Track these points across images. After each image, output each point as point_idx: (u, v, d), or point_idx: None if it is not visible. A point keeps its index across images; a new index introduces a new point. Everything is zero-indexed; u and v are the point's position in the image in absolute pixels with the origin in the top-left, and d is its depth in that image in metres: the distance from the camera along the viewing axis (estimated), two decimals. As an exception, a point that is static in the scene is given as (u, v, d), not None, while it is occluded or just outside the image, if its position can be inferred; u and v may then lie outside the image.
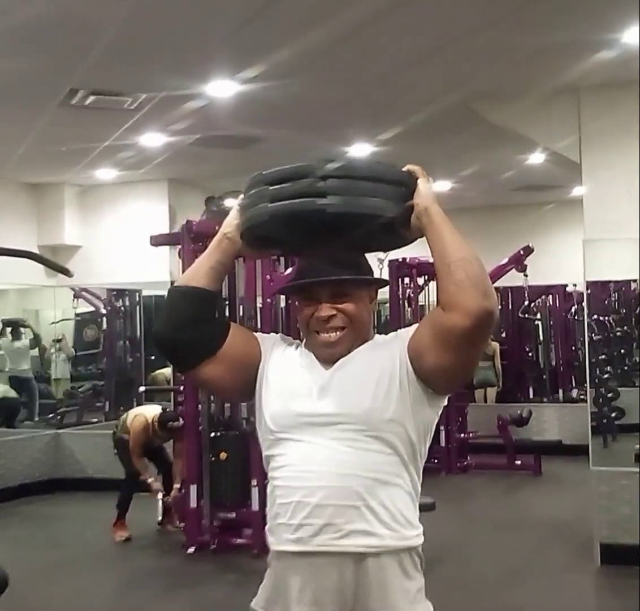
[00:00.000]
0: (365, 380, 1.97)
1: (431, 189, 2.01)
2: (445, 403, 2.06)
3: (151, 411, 7.21)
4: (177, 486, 7.06)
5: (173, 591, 5.87)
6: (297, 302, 2.12)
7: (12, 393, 10.05)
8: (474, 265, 1.91)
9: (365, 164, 2.04)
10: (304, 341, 2.11)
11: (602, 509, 6.03)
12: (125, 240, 10.00)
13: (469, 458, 10.22)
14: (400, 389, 1.96)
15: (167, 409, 7.36)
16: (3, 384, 10.12)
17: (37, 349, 10.64)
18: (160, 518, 6.93)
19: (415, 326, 2.04)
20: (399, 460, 1.96)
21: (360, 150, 8.40)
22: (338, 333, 2.01)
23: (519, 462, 9.95)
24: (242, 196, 2.11)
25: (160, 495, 6.96)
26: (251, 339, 2.15)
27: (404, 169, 2.02)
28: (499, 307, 12.64)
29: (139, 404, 10.00)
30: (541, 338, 12.64)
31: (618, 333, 9.37)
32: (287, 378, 2.04)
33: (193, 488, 6.66)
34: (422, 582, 1.98)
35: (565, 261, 10.52)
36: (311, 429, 1.96)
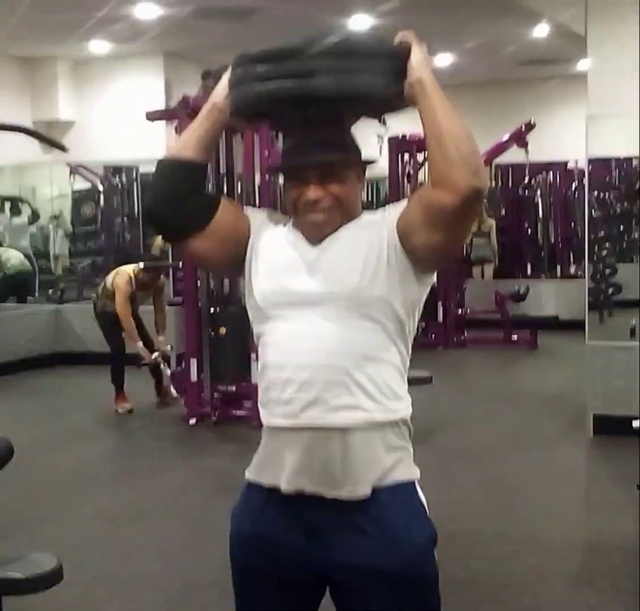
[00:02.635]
0: (353, 258, 1.95)
1: (425, 56, 1.92)
2: (434, 279, 2.05)
3: (130, 267, 7.35)
4: (161, 339, 7.30)
5: (175, 459, 6.01)
6: (284, 184, 2.06)
7: (27, 266, 10.04)
8: (466, 141, 1.85)
9: (355, 40, 1.92)
10: (292, 220, 2.08)
11: (597, 382, 6.13)
12: (120, 115, 9.87)
13: (466, 333, 10.34)
14: (388, 266, 1.94)
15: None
16: (16, 255, 10.02)
17: (35, 225, 10.62)
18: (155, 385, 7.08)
19: (404, 202, 1.99)
20: (386, 336, 1.96)
21: (359, 21, 8.21)
22: (326, 214, 1.98)
23: (515, 337, 10.08)
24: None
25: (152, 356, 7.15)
26: (241, 214, 2.11)
27: (397, 37, 1.95)
28: (500, 183, 12.63)
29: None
30: (541, 214, 12.60)
31: (618, 210, 9.33)
32: (276, 255, 2.02)
33: (193, 362, 6.76)
34: (411, 450, 2.03)
35: (568, 137, 10.41)
36: (299, 307, 1.96)
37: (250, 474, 2.07)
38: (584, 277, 7.03)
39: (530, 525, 4.54)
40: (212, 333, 6.69)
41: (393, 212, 1.99)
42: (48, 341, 9.33)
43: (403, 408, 2.00)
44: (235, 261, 2.08)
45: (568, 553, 4.21)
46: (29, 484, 5.28)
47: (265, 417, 2.03)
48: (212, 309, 6.76)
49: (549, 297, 11.28)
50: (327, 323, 1.94)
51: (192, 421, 6.69)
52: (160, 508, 5.01)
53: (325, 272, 1.96)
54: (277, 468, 1.98)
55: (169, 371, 7.24)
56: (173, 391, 7.18)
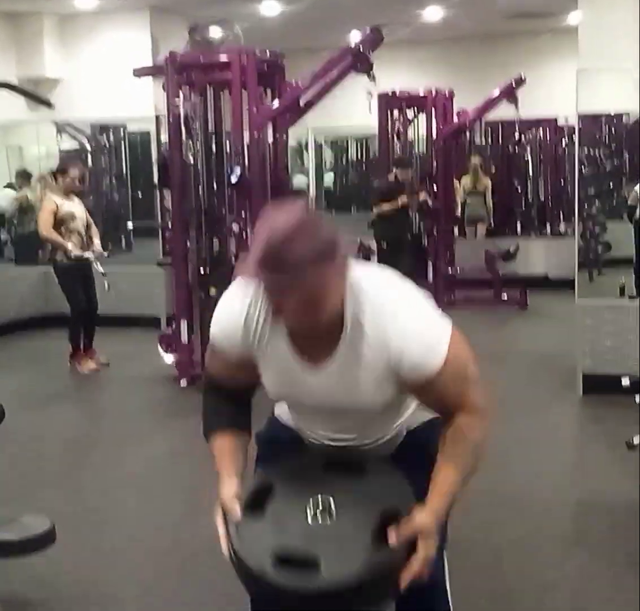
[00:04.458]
0: (353, 383, 1.94)
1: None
2: None
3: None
4: (96, 242, 7.41)
5: (167, 422, 6.02)
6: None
7: None
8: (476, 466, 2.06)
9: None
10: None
11: (586, 341, 6.14)
12: (107, 72, 9.74)
13: (456, 292, 10.33)
14: (387, 381, 1.94)
15: None
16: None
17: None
18: None
19: (401, 345, 1.89)
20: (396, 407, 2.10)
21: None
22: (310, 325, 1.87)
23: (505, 296, 10.08)
24: None
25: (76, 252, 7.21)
26: (238, 351, 2.02)
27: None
28: (489, 142, 12.54)
29: (127, 242, 10.06)
30: (531, 172, 12.54)
31: (608, 168, 9.28)
32: (278, 369, 2.01)
33: (183, 323, 6.74)
34: None
35: (558, 92, 10.33)
36: (310, 408, 2.08)
37: (278, 411, 2.26)
38: (574, 236, 7.00)
39: (521, 487, 4.54)
40: (203, 294, 6.66)
41: (395, 352, 1.90)
42: (37, 302, 9.28)
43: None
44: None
45: (560, 515, 4.23)
46: (19, 450, 5.26)
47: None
48: (202, 269, 6.72)
49: (538, 255, 11.26)
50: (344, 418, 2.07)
51: (183, 383, 6.68)
52: (152, 473, 5.02)
53: (328, 395, 1.98)
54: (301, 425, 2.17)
55: (102, 269, 7.28)
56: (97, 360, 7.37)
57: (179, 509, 4.43)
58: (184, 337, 6.73)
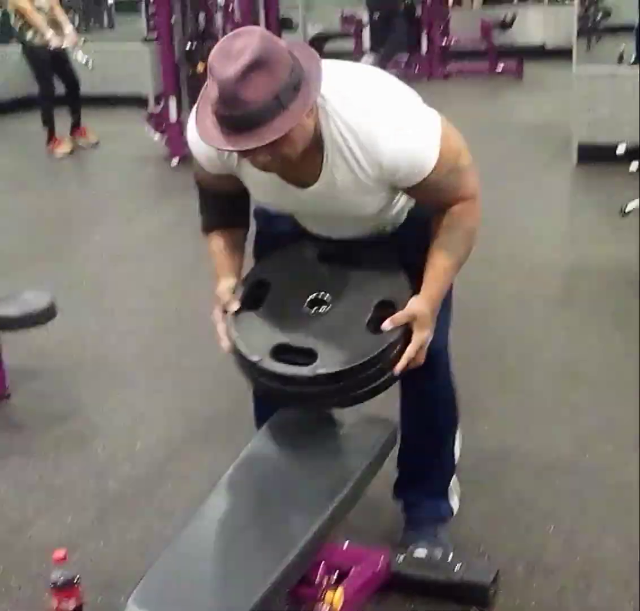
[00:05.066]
0: (343, 196, 1.85)
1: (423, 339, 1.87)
2: None
3: None
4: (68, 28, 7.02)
5: (159, 201, 6.03)
6: None
7: None
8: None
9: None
10: None
11: (583, 110, 6.04)
12: None
13: (450, 64, 10.06)
14: (379, 188, 1.86)
15: None
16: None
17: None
18: None
19: (393, 161, 1.78)
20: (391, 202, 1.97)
21: None
22: (279, 164, 1.77)
23: (501, 67, 9.82)
24: None
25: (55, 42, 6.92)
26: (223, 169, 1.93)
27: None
28: None
29: (109, 18, 9.71)
30: None
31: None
32: (263, 187, 1.91)
33: (172, 102, 6.61)
34: None
35: None
36: (301, 214, 2.03)
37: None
38: (573, 2, 6.74)
39: (513, 250, 4.59)
40: (190, 71, 6.48)
41: (388, 172, 1.81)
42: (22, 83, 9.00)
43: None
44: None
45: (550, 278, 4.30)
46: (11, 227, 5.26)
47: None
48: (188, 45, 6.51)
49: (536, 24, 10.90)
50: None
51: (174, 161, 6.59)
52: (149, 248, 5.07)
53: (319, 217, 2.00)
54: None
55: (83, 58, 7.02)
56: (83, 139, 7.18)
57: (172, 278, 4.54)
58: (173, 114, 6.61)
